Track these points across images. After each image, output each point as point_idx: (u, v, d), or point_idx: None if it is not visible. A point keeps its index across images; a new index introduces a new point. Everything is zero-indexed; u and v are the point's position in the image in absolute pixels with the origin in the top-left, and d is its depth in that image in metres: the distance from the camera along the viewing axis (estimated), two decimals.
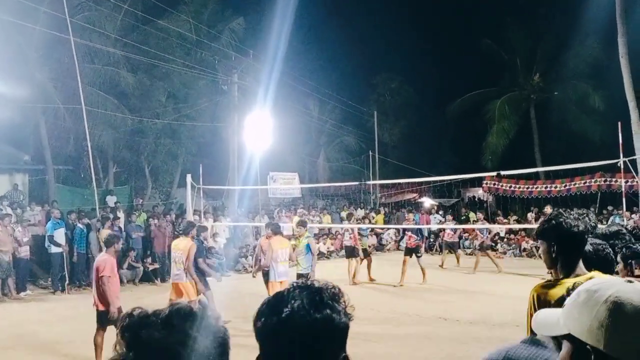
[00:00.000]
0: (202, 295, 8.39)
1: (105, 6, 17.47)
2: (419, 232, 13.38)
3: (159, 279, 13.77)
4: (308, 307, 1.12)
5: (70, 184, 18.42)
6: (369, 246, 14.89)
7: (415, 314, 9.43)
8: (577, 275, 2.39)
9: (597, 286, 1.08)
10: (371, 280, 13.16)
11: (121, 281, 12.94)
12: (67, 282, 12.16)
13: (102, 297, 6.58)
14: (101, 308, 6.59)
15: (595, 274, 2.43)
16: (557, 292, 1.98)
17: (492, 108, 26.52)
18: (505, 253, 18.94)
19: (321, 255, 18.28)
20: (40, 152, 17.15)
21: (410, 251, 12.60)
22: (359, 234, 13.41)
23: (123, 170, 20.88)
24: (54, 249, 12.06)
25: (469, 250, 18.32)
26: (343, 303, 1.18)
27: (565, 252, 2.53)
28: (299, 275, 8.59)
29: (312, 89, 26.24)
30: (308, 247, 9.02)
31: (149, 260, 13.90)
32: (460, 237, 20.08)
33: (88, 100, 15.83)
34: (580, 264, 2.50)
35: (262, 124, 19.71)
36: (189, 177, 13.47)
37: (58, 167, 17.93)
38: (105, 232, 10.11)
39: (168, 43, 19.40)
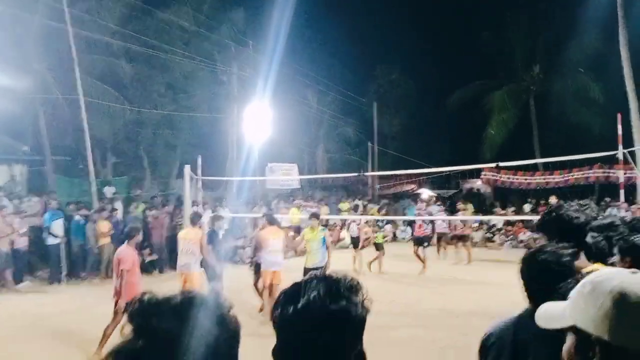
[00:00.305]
0: (213, 284, 8.48)
1: None
2: (430, 222, 13.47)
3: (157, 270, 13.80)
4: (324, 297, 1.12)
5: (69, 174, 18.39)
6: (385, 238, 14.60)
7: (414, 303, 9.47)
8: (580, 268, 2.38)
9: (601, 277, 1.08)
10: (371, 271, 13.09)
11: None
12: (64, 273, 12.16)
13: (123, 289, 6.65)
14: (120, 299, 6.66)
15: (598, 266, 2.42)
16: None
17: (492, 100, 26.48)
18: (502, 244, 18.99)
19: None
20: (39, 142, 17.13)
21: (420, 241, 12.85)
22: (377, 225, 13.41)
23: (121, 161, 20.86)
24: (52, 240, 12.01)
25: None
26: (361, 295, 1.18)
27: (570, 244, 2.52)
28: (309, 270, 8.04)
29: (311, 80, 26.18)
30: (324, 240, 8.88)
31: (147, 251, 13.91)
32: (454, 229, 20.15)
33: (86, 91, 15.82)
34: (582, 256, 2.50)
35: (261, 115, 19.69)
36: (187, 168, 13.44)
37: (57, 158, 17.92)
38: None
39: (167, 33, 19.36)
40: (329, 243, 9.09)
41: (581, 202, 5.12)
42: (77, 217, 12.72)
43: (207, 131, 21.93)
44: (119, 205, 14.81)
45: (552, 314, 1.18)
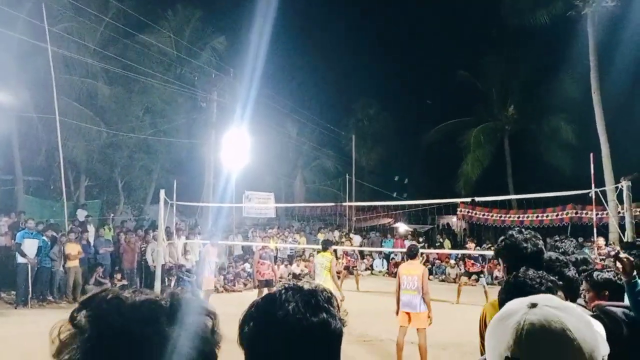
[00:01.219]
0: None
1: (86, 17, 17.32)
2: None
3: None
4: (304, 310, 1.07)
5: (40, 196, 17.94)
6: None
7: (387, 338, 9.32)
8: None
9: (501, 314, 1.08)
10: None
11: None
12: (30, 296, 11.71)
13: None
14: None
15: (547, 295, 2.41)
16: None
17: (468, 137, 26.94)
18: (477, 280, 19.01)
19: (295, 276, 18.11)
20: (10, 162, 16.72)
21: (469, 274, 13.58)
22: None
23: (95, 184, 20.46)
24: (20, 259, 11.57)
25: (443, 277, 18.34)
26: (337, 308, 1.13)
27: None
28: None
29: (291, 111, 26.35)
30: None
31: (118, 276, 13.55)
32: (433, 264, 20.22)
33: (63, 111, 15.58)
34: None
35: (239, 143, 19.62)
36: (162, 193, 13.26)
37: (28, 178, 17.49)
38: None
39: (148, 57, 19.33)
40: (333, 272, 9.20)
41: (556, 237, 5.19)
42: (43, 239, 12.33)
43: (184, 156, 21.76)
44: (90, 228, 14.46)
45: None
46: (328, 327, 1.08)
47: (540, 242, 2.50)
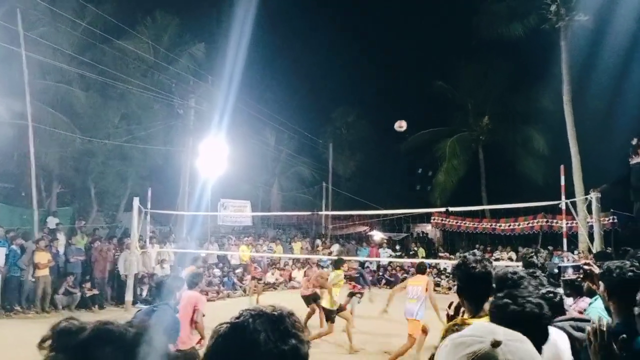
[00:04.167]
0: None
1: (62, 23, 17.09)
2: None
3: (97, 306, 13.19)
4: (274, 338, 1.07)
5: (10, 202, 17.55)
6: None
7: (359, 347, 9.35)
8: (482, 317, 2.42)
9: (461, 340, 1.04)
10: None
11: (56, 307, 12.37)
12: None
13: (201, 329, 6.02)
14: (203, 340, 6.02)
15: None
16: None
17: (443, 146, 27.25)
18: (450, 289, 19.20)
19: (270, 285, 18.04)
20: None
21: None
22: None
23: (67, 191, 20.11)
24: None
25: None
26: (303, 330, 1.14)
27: (468, 292, 2.56)
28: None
29: (269, 118, 26.33)
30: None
31: (88, 285, 13.30)
32: (407, 272, 20.32)
33: (36, 117, 15.32)
34: (487, 305, 2.52)
35: (216, 150, 19.53)
36: (136, 201, 13.13)
37: None
38: None
39: (125, 63, 19.14)
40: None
41: (526, 249, 5.30)
42: (13, 247, 12.07)
43: (160, 164, 21.52)
44: (61, 236, 14.19)
45: None
46: (298, 352, 1.09)
47: (490, 266, 2.56)
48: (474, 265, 2.53)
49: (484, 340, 1.02)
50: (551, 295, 3.27)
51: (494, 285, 2.58)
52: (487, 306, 2.48)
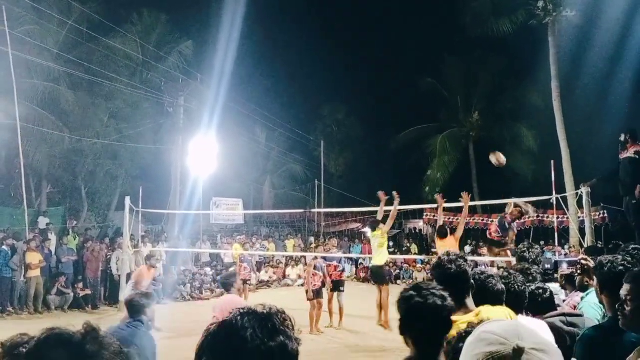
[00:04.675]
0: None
1: (48, 21, 16.92)
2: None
3: (90, 306, 13.12)
4: (262, 335, 1.09)
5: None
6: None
7: (356, 344, 9.38)
8: (466, 312, 2.46)
9: (488, 335, 1.03)
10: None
11: (49, 308, 12.30)
12: None
13: None
14: None
15: (483, 309, 2.51)
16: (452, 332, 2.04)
17: (434, 143, 27.35)
18: None
19: (264, 283, 18.04)
20: None
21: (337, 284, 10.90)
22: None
23: (58, 191, 19.92)
24: None
25: (411, 282, 18.50)
26: (292, 328, 1.16)
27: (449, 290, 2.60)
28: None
29: (259, 116, 26.28)
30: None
31: (80, 285, 13.23)
32: (400, 268, 20.42)
33: (24, 117, 15.15)
34: (468, 301, 2.59)
35: (207, 149, 19.46)
36: (127, 200, 13.06)
37: None
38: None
39: (113, 62, 18.99)
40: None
41: (524, 243, 5.35)
42: (4, 248, 11.96)
43: (151, 162, 21.41)
44: (52, 236, 14.09)
45: None
46: (286, 349, 1.10)
47: (465, 264, 2.64)
48: (449, 266, 2.61)
49: (507, 343, 1.00)
50: (540, 291, 3.33)
51: (472, 281, 2.65)
52: (468, 302, 2.57)
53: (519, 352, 0.98)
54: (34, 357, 1.05)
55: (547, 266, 4.63)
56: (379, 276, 9.88)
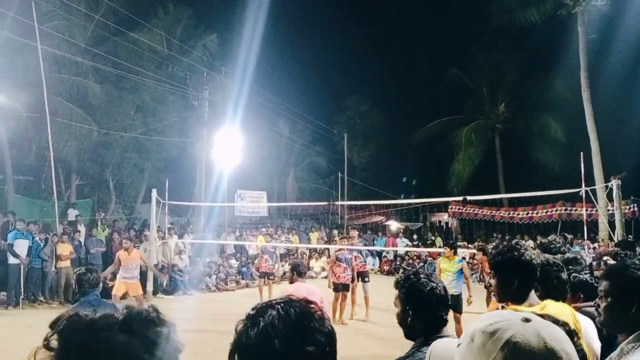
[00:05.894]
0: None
1: (76, 15, 17.17)
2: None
3: None
4: (297, 337, 1.06)
5: (30, 195, 17.79)
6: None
7: (380, 337, 9.38)
8: (531, 305, 2.40)
9: (493, 327, 0.99)
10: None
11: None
12: (22, 296, 11.65)
13: None
14: None
15: (548, 302, 2.45)
16: None
17: (459, 135, 27.06)
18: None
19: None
20: (0, 161, 16.57)
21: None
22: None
23: (86, 183, 20.31)
24: (12, 260, 11.49)
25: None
26: (329, 323, 1.13)
27: (519, 282, 2.52)
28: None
29: (283, 109, 26.33)
30: (460, 271, 8.86)
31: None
32: (425, 262, 20.29)
33: (53, 110, 15.43)
34: (531, 295, 2.51)
35: (231, 141, 19.59)
36: (154, 192, 13.20)
37: (18, 178, 17.35)
38: None
39: (139, 56, 19.21)
40: (467, 274, 9.03)
41: (550, 237, 5.24)
42: (36, 240, 12.26)
43: (176, 155, 21.65)
44: (81, 228, 14.38)
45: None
46: (324, 350, 1.08)
47: (535, 257, 2.55)
48: (529, 258, 2.51)
49: (514, 322, 0.99)
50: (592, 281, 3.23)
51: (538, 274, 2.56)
52: (532, 296, 2.49)
53: (527, 320, 0.99)
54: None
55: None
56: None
